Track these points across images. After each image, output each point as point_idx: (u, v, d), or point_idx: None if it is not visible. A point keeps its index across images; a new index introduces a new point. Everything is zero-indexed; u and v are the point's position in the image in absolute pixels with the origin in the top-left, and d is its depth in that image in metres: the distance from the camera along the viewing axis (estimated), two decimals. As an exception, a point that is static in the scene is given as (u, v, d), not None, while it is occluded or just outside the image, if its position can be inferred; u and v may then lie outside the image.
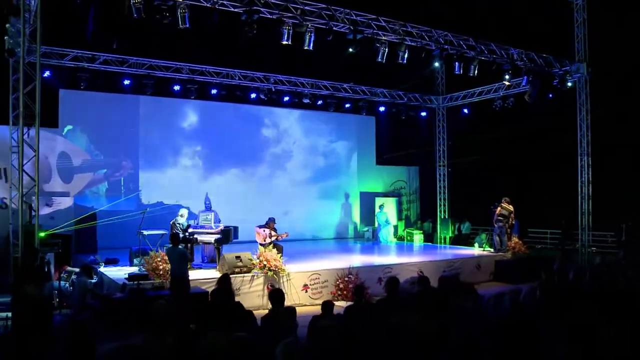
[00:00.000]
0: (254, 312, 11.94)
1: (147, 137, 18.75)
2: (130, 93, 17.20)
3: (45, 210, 16.06)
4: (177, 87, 16.75)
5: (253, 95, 17.96)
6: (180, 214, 12.66)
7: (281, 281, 12.53)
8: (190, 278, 11.53)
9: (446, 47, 13.96)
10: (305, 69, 18.52)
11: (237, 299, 11.85)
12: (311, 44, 12.29)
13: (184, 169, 19.20)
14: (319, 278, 13.06)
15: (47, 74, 15.18)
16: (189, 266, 11.66)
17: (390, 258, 16.43)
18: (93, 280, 12.14)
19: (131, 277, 10.48)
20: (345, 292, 12.92)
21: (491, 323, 7.51)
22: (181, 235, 12.05)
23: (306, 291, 12.87)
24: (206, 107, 19.37)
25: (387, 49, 13.21)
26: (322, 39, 12.70)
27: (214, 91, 17.28)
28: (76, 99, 17.37)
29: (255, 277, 12.26)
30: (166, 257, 10.82)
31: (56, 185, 17.31)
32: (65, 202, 16.52)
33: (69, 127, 17.64)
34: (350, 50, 12.63)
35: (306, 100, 18.55)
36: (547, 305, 8.37)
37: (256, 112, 20.59)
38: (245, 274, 12.19)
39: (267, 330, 7.29)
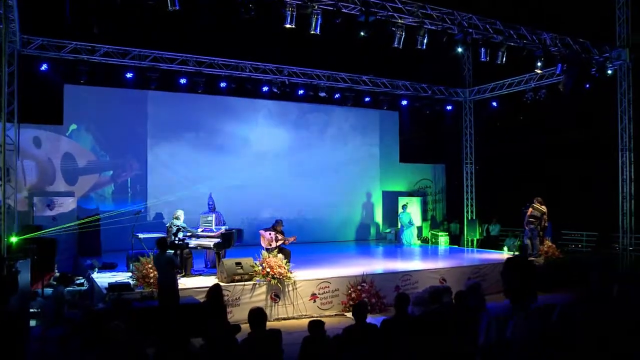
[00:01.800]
0: (267, 317, 10.93)
1: (156, 135, 17.66)
2: (135, 87, 16.13)
3: (46, 212, 15.15)
4: (183, 80, 15.57)
5: (265, 89, 16.67)
6: (175, 215, 11.48)
7: (286, 290, 11.31)
8: (189, 286, 10.53)
9: (470, 31, 12.47)
10: (321, 60, 17.23)
11: (236, 309, 10.75)
12: (318, 28, 10.95)
13: (194, 167, 18.03)
14: (328, 287, 11.77)
15: (44, 67, 14.16)
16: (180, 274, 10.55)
17: (412, 263, 15.05)
18: (83, 288, 11.11)
19: (111, 287, 9.31)
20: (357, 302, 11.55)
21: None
22: (176, 240, 10.86)
23: (314, 301, 11.59)
24: (216, 102, 18.21)
25: (404, 34, 11.79)
26: (332, 23, 11.34)
27: (223, 84, 16.04)
28: (81, 95, 16.45)
29: (257, 285, 11.03)
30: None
31: (60, 187, 16.37)
32: (68, 204, 15.52)
33: (74, 126, 16.68)
34: (362, 34, 11.23)
35: (322, 94, 17.23)
36: (585, 334, 6.92)
37: (269, 107, 19.34)
38: (247, 282, 10.99)
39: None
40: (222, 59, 15.83)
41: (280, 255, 11.78)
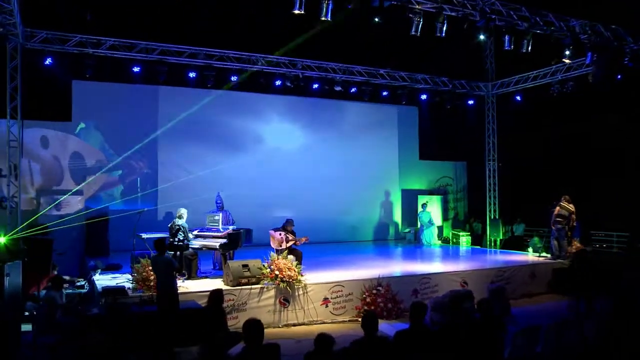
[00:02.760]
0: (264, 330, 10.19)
1: (166, 131, 17.00)
2: (144, 82, 15.52)
3: (52, 212, 14.61)
4: (192, 74, 14.88)
5: (278, 83, 15.90)
6: (178, 214, 10.77)
7: (296, 294, 10.57)
8: (192, 290, 9.85)
9: (493, 17, 11.57)
10: (337, 53, 16.43)
11: (243, 315, 10.01)
12: (329, 14, 10.15)
13: (205, 164, 17.35)
14: (342, 290, 11.00)
15: (48, 61, 13.58)
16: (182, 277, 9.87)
17: (431, 265, 14.20)
18: (83, 291, 10.48)
19: (105, 291, 8.64)
20: (372, 308, 10.80)
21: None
22: (175, 240, 10.16)
23: (326, 306, 10.84)
24: (228, 97, 17.38)
25: (422, 20, 10.93)
26: (346, 10, 10.54)
27: (234, 78, 15.34)
28: (90, 91, 15.88)
29: (265, 289, 10.29)
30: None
31: (68, 187, 15.74)
32: (76, 203, 14.96)
33: (82, 125, 16.11)
34: (377, 20, 10.41)
35: (338, 88, 16.45)
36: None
37: (282, 102, 18.51)
38: (254, 286, 10.27)
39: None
40: (233, 51, 15.11)
41: (290, 257, 11.07)
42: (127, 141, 16.41)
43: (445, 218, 20.97)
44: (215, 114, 17.55)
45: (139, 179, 16.79)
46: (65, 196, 14.90)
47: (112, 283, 10.28)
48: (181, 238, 10.34)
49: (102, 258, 13.52)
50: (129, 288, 9.60)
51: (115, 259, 13.19)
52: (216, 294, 8.07)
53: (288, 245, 11.65)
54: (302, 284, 10.58)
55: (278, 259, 10.72)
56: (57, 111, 15.65)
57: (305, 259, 11.82)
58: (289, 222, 11.98)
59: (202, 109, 17.01)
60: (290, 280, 10.41)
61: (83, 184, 15.57)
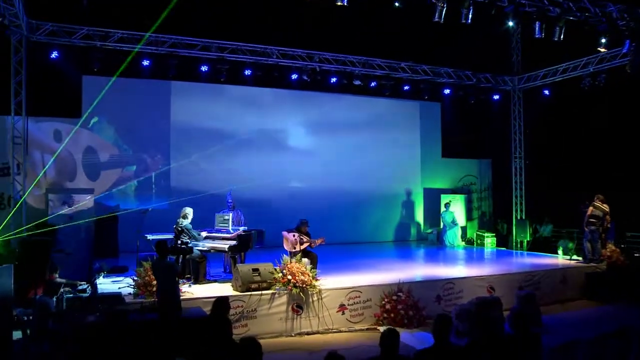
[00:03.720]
0: (275, 340, 9.45)
1: (179, 127, 16.45)
2: (155, 77, 14.94)
3: (63, 209, 14.02)
4: (205, 68, 14.20)
5: (294, 77, 15.15)
6: (182, 214, 10.07)
7: (310, 300, 9.80)
8: (198, 295, 9.16)
9: (523, 2, 10.67)
10: (356, 45, 15.64)
11: (253, 322, 9.31)
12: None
13: (219, 161, 16.70)
14: (359, 296, 10.21)
15: (55, 54, 12.99)
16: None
17: (455, 268, 13.35)
18: (85, 295, 9.82)
19: (99, 298, 7.96)
20: (392, 315, 10.03)
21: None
22: (179, 243, 9.45)
23: (343, 313, 10.05)
24: (241, 92, 16.87)
25: (445, 6, 10.09)
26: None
27: (248, 72, 14.62)
28: (101, 86, 15.23)
29: (277, 295, 9.53)
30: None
31: (81, 183, 15.30)
32: (86, 201, 14.37)
33: (95, 119, 15.57)
34: (397, 4, 9.60)
35: (357, 82, 15.64)
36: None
37: (298, 97, 17.72)
38: (264, 291, 9.51)
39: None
40: (247, 44, 14.38)
41: (305, 260, 10.31)
42: (140, 136, 16.03)
43: (469, 218, 20.04)
44: (229, 109, 16.95)
45: (153, 174, 16.18)
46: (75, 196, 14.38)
47: (114, 287, 9.62)
48: (185, 240, 9.63)
49: (110, 259, 12.94)
50: (130, 293, 8.92)
51: (125, 261, 12.56)
52: (220, 303, 7.33)
53: (302, 247, 10.90)
54: (317, 290, 9.81)
55: (291, 262, 9.97)
56: (67, 107, 15.10)
57: (321, 262, 11.11)
58: (303, 222, 11.23)
59: (215, 104, 16.44)
60: (304, 285, 9.65)
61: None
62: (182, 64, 14.10)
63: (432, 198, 19.74)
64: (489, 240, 17.69)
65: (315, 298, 9.80)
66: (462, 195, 19.85)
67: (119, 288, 9.39)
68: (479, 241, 18.14)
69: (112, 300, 7.95)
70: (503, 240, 18.17)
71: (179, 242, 9.56)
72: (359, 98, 18.34)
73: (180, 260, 8.82)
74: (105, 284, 10.13)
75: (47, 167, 14.48)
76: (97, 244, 14.22)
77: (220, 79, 14.50)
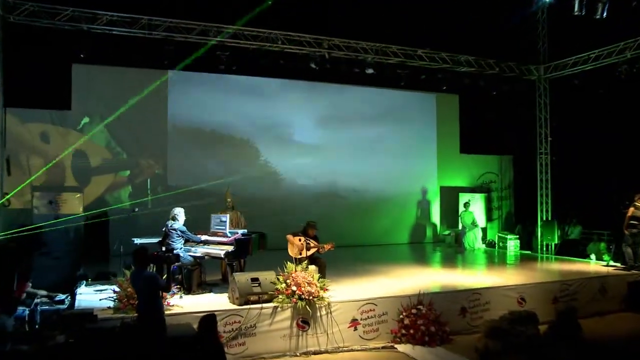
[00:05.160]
0: (278, 361, 8.28)
1: (177, 121, 15.44)
2: (150, 66, 14.10)
3: (47, 211, 12.93)
4: (202, 54, 13.05)
5: (301, 65, 13.97)
6: (171, 215, 8.95)
7: (318, 314, 8.63)
8: (188, 309, 8.02)
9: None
10: (369, 30, 14.48)
11: (251, 340, 8.13)
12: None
13: (220, 157, 15.69)
14: (374, 310, 9.05)
15: (39, 39, 11.89)
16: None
17: (478, 275, 12.16)
18: (63, 307, 8.72)
19: (66, 316, 6.83)
20: (411, 332, 8.84)
21: None
22: (170, 250, 8.29)
23: (355, 329, 8.89)
24: (244, 83, 15.85)
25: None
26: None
27: (250, 60, 13.48)
28: (92, 76, 14.31)
29: (279, 308, 8.37)
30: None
31: (69, 189, 14.16)
32: (74, 201, 13.28)
33: (86, 119, 14.58)
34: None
35: (370, 71, 14.44)
36: None
37: (306, 88, 16.69)
38: (265, 304, 8.35)
39: None
40: (249, 28, 13.20)
41: (312, 268, 9.17)
42: (134, 136, 15.08)
43: (489, 219, 18.80)
44: (229, 101, 15.94)
45: (149, 180, 15.08)
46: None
47: (95, 298, 8.48)
48: (176, 246, 8.48)
49: (99, 264, 11.87)
50: (109, 307, 7.77)
51: (116, 266, 11.44)
52: (206, 322, 6.23)
53: (309, 253, 9.72)
54: (326, 302, 8.66)
55: (296, 270, 8.81)
56: (54, 99, 14.02)
57: (330, 269, 9.96)
58: (310, 225, 10.04)
59: (214, 96, 15.44)
60: (311, 297, 8.49)
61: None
62: (179, 50, 12.94)
63: (450, 197, 18.61)
64: (512, 243, 16.46)
65: (323, 312, 8.65)
66: (482, 194, 18.62)
67: (101, 300, 8.23)
68: (500, 244, 16.92)
69: (82, 317, 6.77)
70: (526, 243, 16.95)
71: (163, 248, 8.39)
72: (371, 90, 17.44)
73: (166, 270, 7.58)
74: (87, 294, 9.04)
75: (37, 174, 13.39)
76: (86, 248, 13.19)
77: (220, 67, 13.32)
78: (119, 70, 14.52)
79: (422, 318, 8.92)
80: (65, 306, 8.83)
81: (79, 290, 9.26)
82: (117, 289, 7.95)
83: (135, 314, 7.13)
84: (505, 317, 8.61)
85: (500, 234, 17.31)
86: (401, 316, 9.01)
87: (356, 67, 14.53)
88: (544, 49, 16.12)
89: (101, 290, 8.91)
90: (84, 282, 9.74)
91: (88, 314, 6.90)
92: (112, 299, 7.85)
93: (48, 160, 13.65)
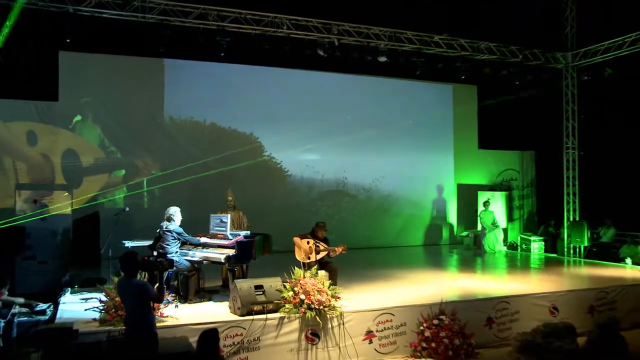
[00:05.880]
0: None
1: (175, 116, 14.98)
2: (141, 52, 13.69)
3: (31, 210, 12.43)
4: (201, 40, 12.53)
5: (308, 52, 13.41)
6: (166, 216, 8.41)
7: (329, 326, 8.10)
8: (185, 320, 7.50)
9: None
10: (382, 14, 13.96)
11: (255, 356, 7.57)
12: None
13: (219, 154, 15.14)
14: (391, 320, 8.52)
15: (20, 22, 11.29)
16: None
17: (504, 282, 11.49)
18: (43, 317, 8.17)
19: (41, 332, 6.26)
20: (433, 345, 8.27)
21: None
22: (162, 255, 7.72)
23: (370, 342, 8.36)
24: (247, 72, 15.38)
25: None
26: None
27: (252, 46, 12.96)
28: (81, 64, 13.82)
29: (286, 319, 7.84)
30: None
31: (58, 187, 13.64)
32: (61, 200, 12.77)
33: (78, 117, 14.16)
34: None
35: (383, 59, 13.85)
36: None
37: (313, 77, 16.26)
38: (271, 315, 7.82)
39: None
40: (252, 12, 12.65)
41: (322, 273, 8.66)
42: (127, 131, 14.47)
43: (509, 219, 18.21)
44: (229, 92, 15.45)
45: (145, 180, 14.60)
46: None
47: (80, 308, 7.94)
48: (171, 249, 7.92)
49: (91, 270, 11.35)
50: (94, 319, 7.23)
51: (107, 272, 10.91)
52: (207, 338, 5.69)
53: (318, 257, 9.21)
54: (337, 312, 8.14)
55: (304, 276, 8.26)
56: (39, 89, 13.51)
57: (340, 275, 9.43)
58: (319, 226, 9.54)
59: (216, 86, 14.98)
60: (321, 307, 7.95)
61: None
62: (175, 36, 12.41)
63: (467, 196, 18.13)
64: (536, 246, 15.94)
65: (335, 323, 8.13)
66: (502, 192, 18.02)
67: (86, 310, 7.69)
68: (523, 246, 16.37)
69: (60, 333, 6.20)
70: (551, 245, 16.37)
71: (154, 252, 7.84)
72: (383, 80, 16.94)
73: (158, 277, 6.98)
74: (72, 304, 8.50)
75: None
76: (75, 251, 12.67)
77: (221, 54, 12.78)
78: (110, 58, 14.04)
79: (445, 330, 8.37)
80: (46, 317, 8.28)
81: (62, 299, 8.73)
82: (103, 298, 7.40)
83: (124, 327, 6.58)
84: (539, 330, 8.06)
85: (522, 235, 16.76)
86: (421, 327, 8.48)
87: (368, 54, 13.99)
88: (572, 35, 15.46)
89: (87, 299, 8.37)
90: (69, 289, 9.18)
91: (67, 329, 6.32)
92: (98, 310, 7.31)
93: (36, 163, 13.26)
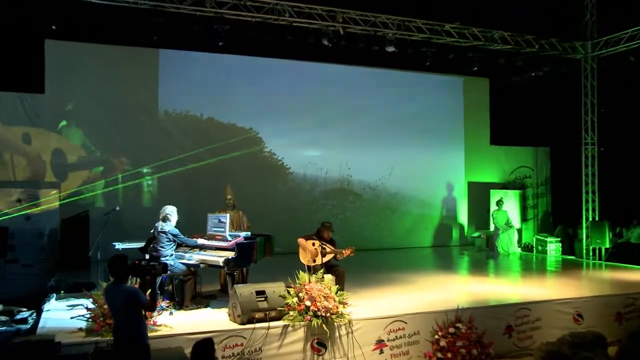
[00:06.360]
0: None
1: (171, 110, 14.69)
2: (133, 41, 13.39)
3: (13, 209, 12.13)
4: (197, 29, 12.26)
5: (311, 41, 13.16)
6: (162, 215, 8.03)
7: (337, 334, 7.73)
8: (180, 330, 7.10)
9: None
10: (389, 2, 13.67)
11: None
12: None
13: (219, 151, 14.87)
14: (403, 328, 8.14)
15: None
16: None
17: (521, 287, 11.11)
18: (25, 327, 7.79)
19: (19, 344, 5.86)
20: (449, 356, 7.90)
21: None
22: (156, 259, 7.33)
23: (381, 351, 7.99)
24: (248, 62, 15.05)
25: None
26: None
27: (252, 35, 12.77)
28: (69, 53, 13.49)
29: (290, 328, 7.47)
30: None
31: (45, 184, 13.44)
32: (49, 201, 12.44)
33: (64, 122, 13.90)
34: None
35: (391, 49, 13.59)
36: None
37: (317, 70, 16.02)
38: (273, 323, 7.45)
39: None
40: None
41: (328, 277, 8.26)
42: (120, 127, 14.19)
43: (523, 219, 17.86)
44: (229, 84, 15.13)
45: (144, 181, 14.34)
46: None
47: (65, 316, 7.54)
48: (166, 252, 7.53)
49: (80, 273, 10.96)
50: (81, 328, 6.83)
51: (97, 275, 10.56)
52: (201, 349, 5.30)
53: (325, 260, 8.82)
54: (346, 320, 7.75)
55: (310, 281, 7.88)
56: (24, 80, 13.13)
57: (348, 279, 9.07)
58: (325, 226, 9.17)
59: (210, 78, 14.76)
60: (328, 314, 7.57)
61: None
62: (170, 24, 12.14)
63: (479, 194, 17.79)
64: (553, 247, 15.58)
65: (343, 331, 7.75)
66: (516, 190, 17.67)
67: (72, 318, 7.30)
68: (539, 247, 16.00)
69: (38, 347, 5.79)
70: (568, 246, 16.03)
71: (146, 256, 7.45)
72: (390, 72, 16.66)
73: (153, 282, 6.57)
74: (57, 311, 8.09)
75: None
76: (63, 253, 12.35)
77: (219, 43, 12.48)
78: (101, 48, 13.68)
79: (462, 339, 7.99)
80: (28, 326, 7.90)
81: (46, 306, 8.32)
82: (91, 306, 7.00)
83: (112, 338, 6.18)
84: (566, 340, 7.62)
85: (538, 236, 16.40)
86: (436, 336, 8.09)
87: (375, 44, 13.78)
88: (592, 23, 15.06)
89: (74, 306, 7.99)
90: (55, 295, 8.79)
91: (48, 342, 5.90)
92: (85, 318, 6.91)
93: (32, 159, 13.11)
